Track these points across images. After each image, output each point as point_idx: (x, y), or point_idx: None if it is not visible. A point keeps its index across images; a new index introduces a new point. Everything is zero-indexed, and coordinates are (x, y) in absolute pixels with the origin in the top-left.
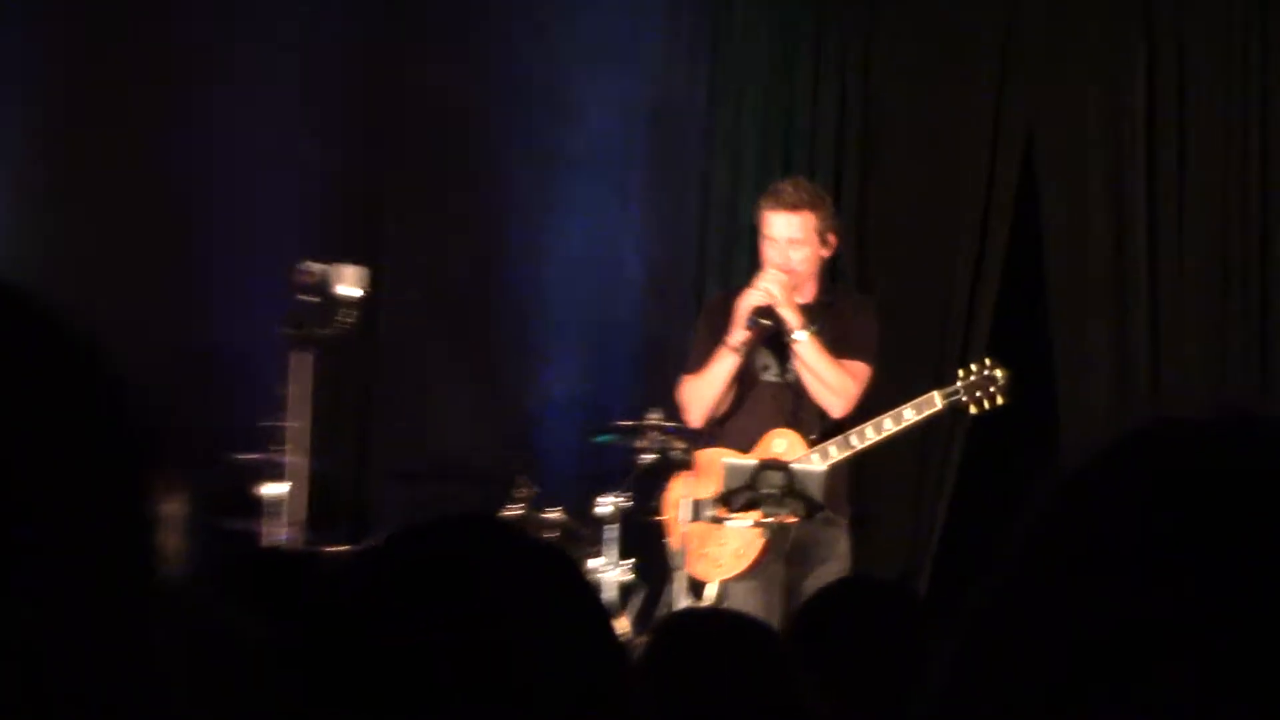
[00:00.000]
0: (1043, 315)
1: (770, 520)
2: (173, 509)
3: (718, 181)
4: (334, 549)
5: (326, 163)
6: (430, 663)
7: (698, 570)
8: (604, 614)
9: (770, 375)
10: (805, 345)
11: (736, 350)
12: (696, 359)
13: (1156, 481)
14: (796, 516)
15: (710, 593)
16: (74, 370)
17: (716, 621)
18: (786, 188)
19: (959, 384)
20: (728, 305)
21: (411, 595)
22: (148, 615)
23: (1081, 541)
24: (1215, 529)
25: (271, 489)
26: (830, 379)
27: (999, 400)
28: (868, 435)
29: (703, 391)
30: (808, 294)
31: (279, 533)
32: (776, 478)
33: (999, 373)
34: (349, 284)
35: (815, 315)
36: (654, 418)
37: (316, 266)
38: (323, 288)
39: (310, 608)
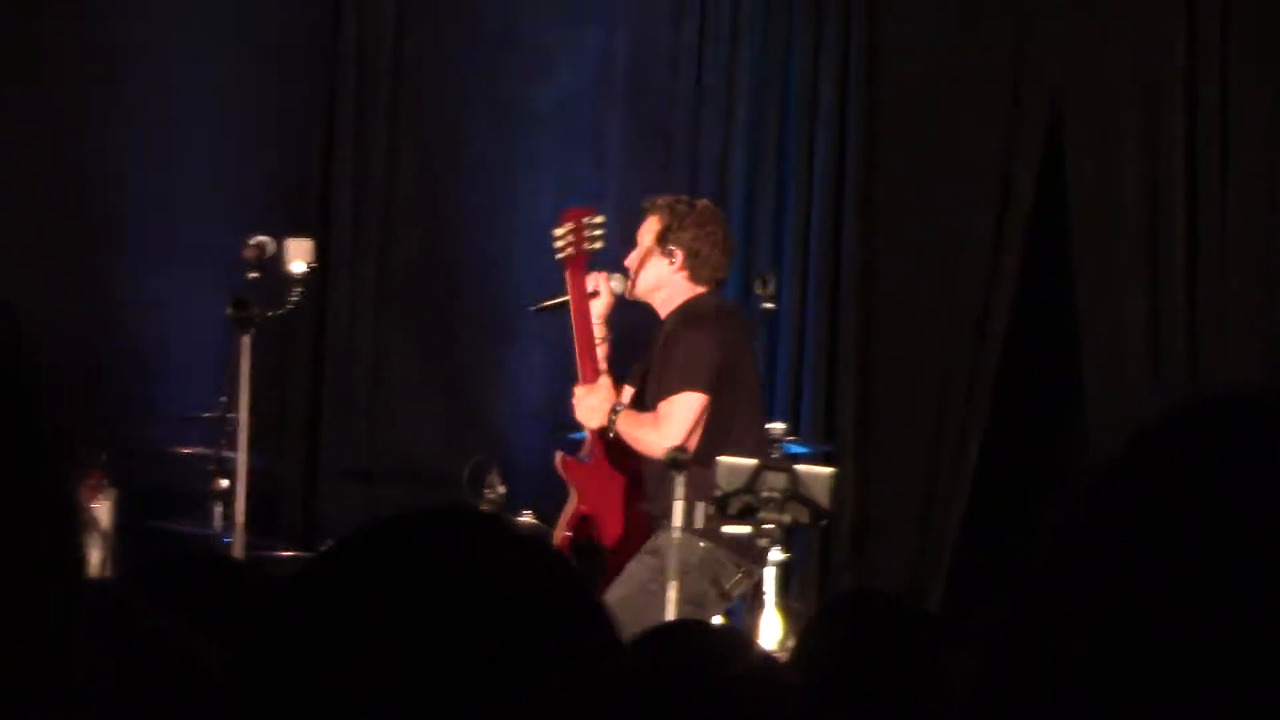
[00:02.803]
0: (1069, 295)
1: (770, 527)
2: (99, 509)
3: (706, 140)
4: (281, 554)
5: (268, 127)
6: (408, 677)
7: None
8: (606, 616)
9: None
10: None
11: None
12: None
13: (1200, 469)
14: (800, 523)
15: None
16: None
17: (710, 635)
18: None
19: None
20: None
21: (385, 600)
22: (71, 623)
23: (1115, 542)
24: (1265, 525)
25: (213, 487)
26: (640, 447)
27: (598, 243)
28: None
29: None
30: (669, 304)
31: (221, 535)
32: (778, 480)
33: (599, 218)
34: (296, 259)
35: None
36: None
37: (261, 240)
38: (268, 264)
39: (266, 617)
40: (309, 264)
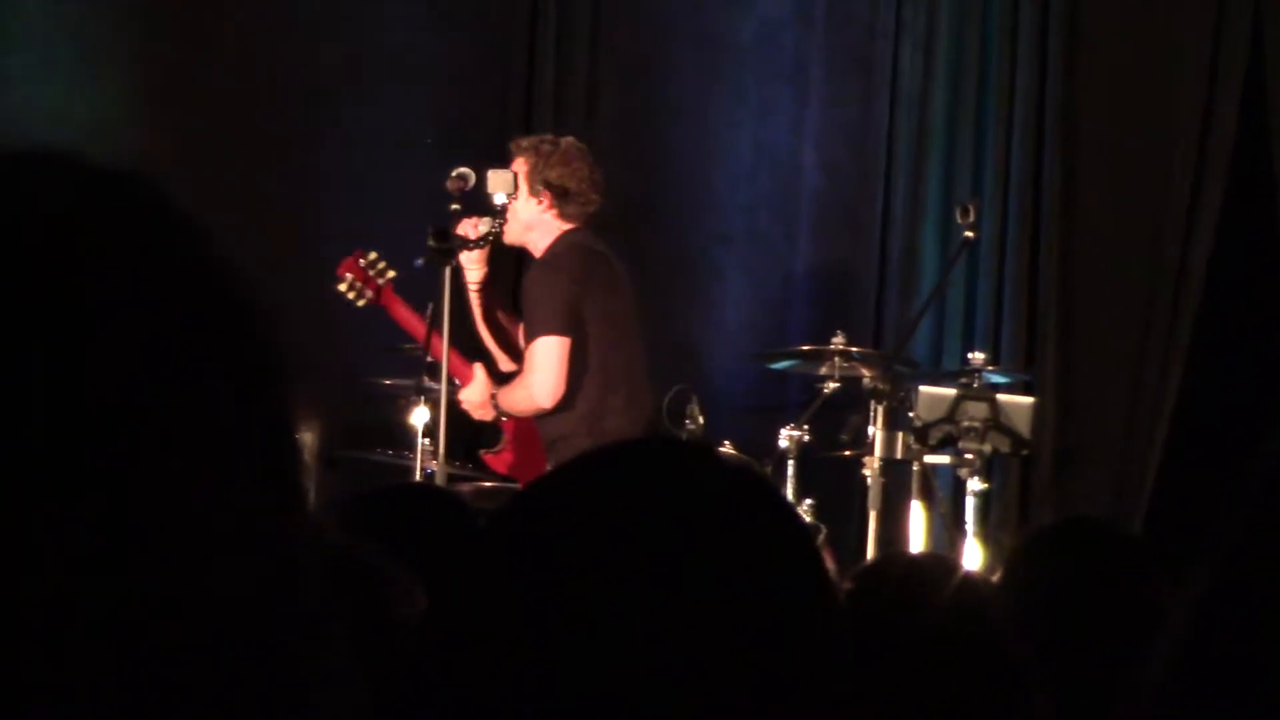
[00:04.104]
0: (1273, 229)
1: (970, 457)
2: (304, 440)
3: (906, 76)
4: (482, 484)
5: (469, 60)
6: (620, 611)
7: None
8: (814, 547)
9: None
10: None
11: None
12: None
13: None
14: (1000, 452)
15: None
16: (211, 286)
17: (928, 567)
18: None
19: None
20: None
21: (596, 532)
22: (300, 556)
23: None
24: None
25: (416, 417)
26: (527, 410)
27: (388, 273)
28: None
29: None
30: (541, 245)
31: (424, 464)
32: (979, 409)
33: (371, 255)
34: (497, 190)
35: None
36: (837, 341)
37: (462, 171)
38: (470, 195)
39: (474, 549)
40: (510, 195)
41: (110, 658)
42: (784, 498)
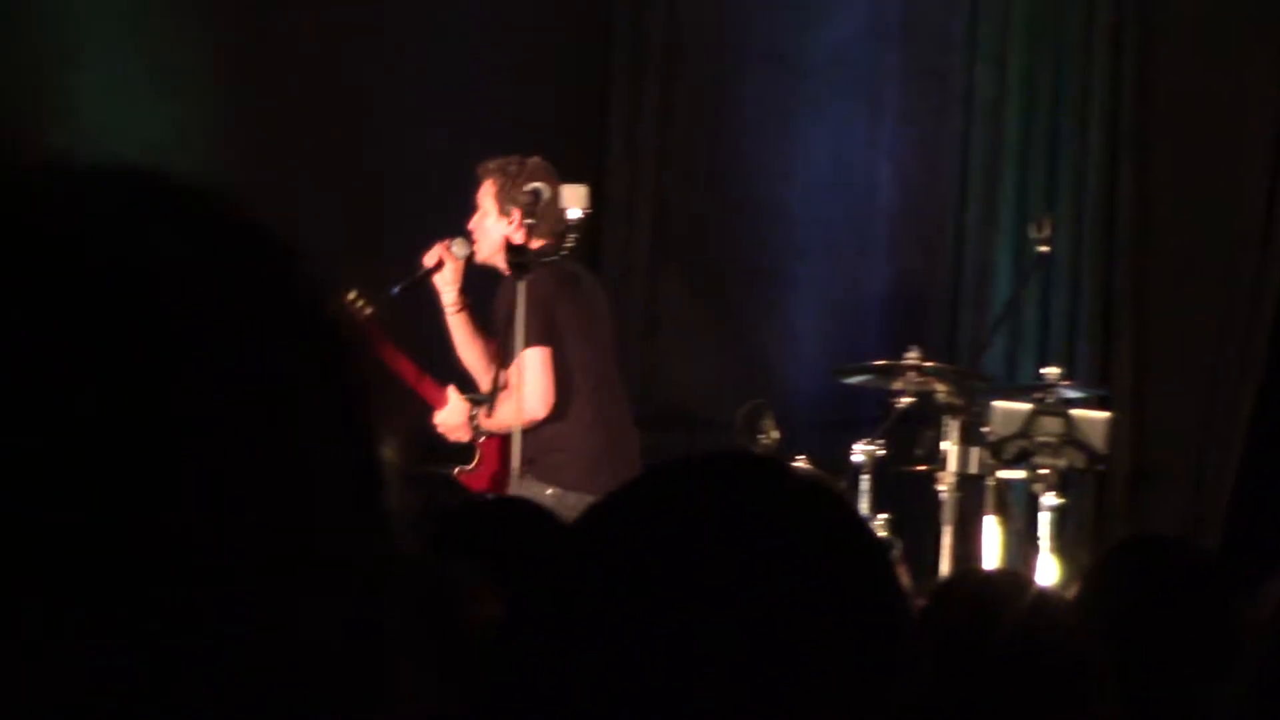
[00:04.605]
0: None
1: (1045, 472)
2: (390, 457)
3: (980, 91)
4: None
5: (542, 77)
6: (693, 617)
7: None
8: (888, 562)
9: None
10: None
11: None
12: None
13: None
14: (1075, 467)
15: None
16: (298, 305)
17: (1002, 584)
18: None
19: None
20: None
21: (672, 542)
22: (384, 576)
23: None
24: None
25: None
26: (516, 424)
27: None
28: None
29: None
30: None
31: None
32: (1054, 424)
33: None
34: (571, 204)
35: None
36: (911, 356)
37: (536, 186)
38: (544, 210)
39: (554, 562)
40: (584, 210)
41: (195, 682)
42: (857, 512)
